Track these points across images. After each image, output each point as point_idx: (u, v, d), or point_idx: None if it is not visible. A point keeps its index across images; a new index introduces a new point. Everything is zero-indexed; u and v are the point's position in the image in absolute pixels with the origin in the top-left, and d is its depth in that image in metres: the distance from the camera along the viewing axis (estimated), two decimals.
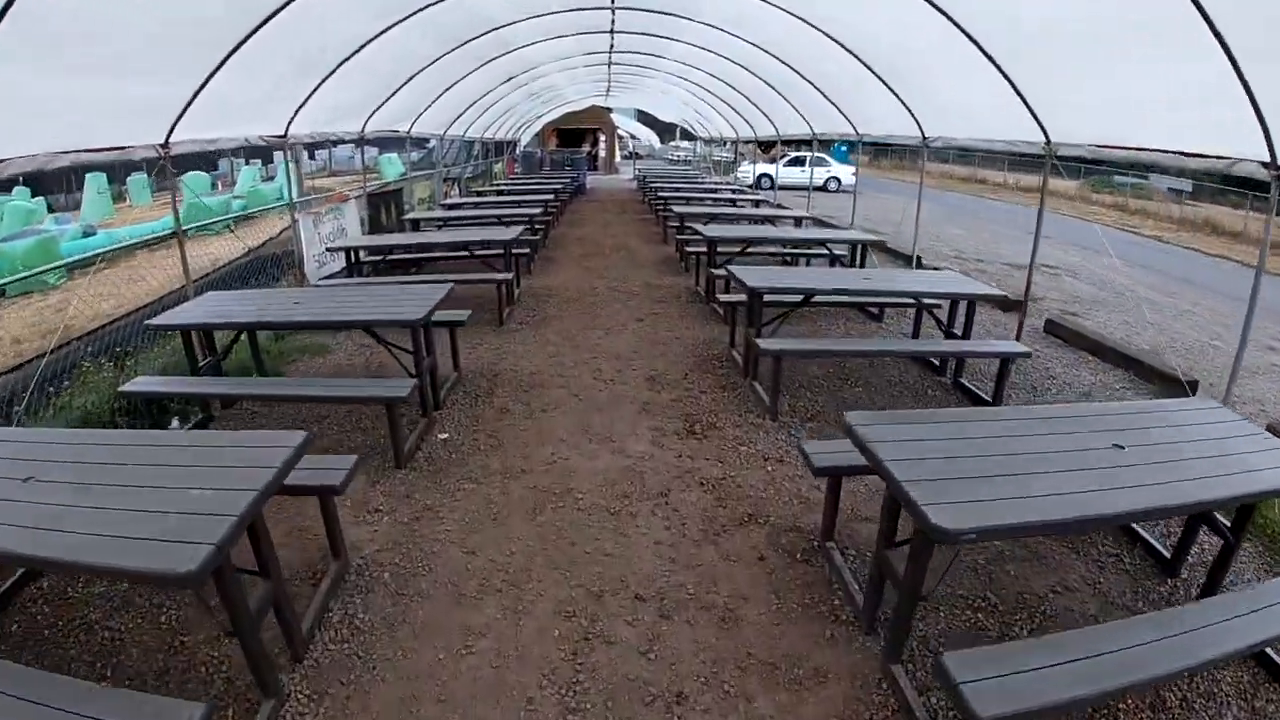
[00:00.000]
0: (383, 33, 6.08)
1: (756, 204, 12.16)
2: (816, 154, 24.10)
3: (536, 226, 9.80)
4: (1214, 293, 10.14)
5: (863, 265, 7.48)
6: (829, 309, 6.68)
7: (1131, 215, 22.99)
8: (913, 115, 6.94)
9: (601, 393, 4.86)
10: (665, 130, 45.92)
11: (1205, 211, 22.13)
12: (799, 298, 5.00)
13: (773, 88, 10.37)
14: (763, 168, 25.08)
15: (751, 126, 15.26)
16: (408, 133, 10.10)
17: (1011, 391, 4.90)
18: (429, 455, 3.96)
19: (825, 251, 7.97)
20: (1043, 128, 5.21)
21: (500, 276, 6.49)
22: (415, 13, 6.00)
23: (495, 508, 3.44)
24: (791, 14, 6.47)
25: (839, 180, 24.62)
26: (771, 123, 13.20)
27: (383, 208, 9.94)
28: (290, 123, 6.36)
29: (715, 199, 12.32)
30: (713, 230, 7.31)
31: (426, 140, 13.10)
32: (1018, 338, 5.70)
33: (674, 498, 3.53)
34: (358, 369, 5.45)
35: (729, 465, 3.86)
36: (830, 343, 5.11)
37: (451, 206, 11.19)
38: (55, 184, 25.65)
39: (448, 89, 9.61)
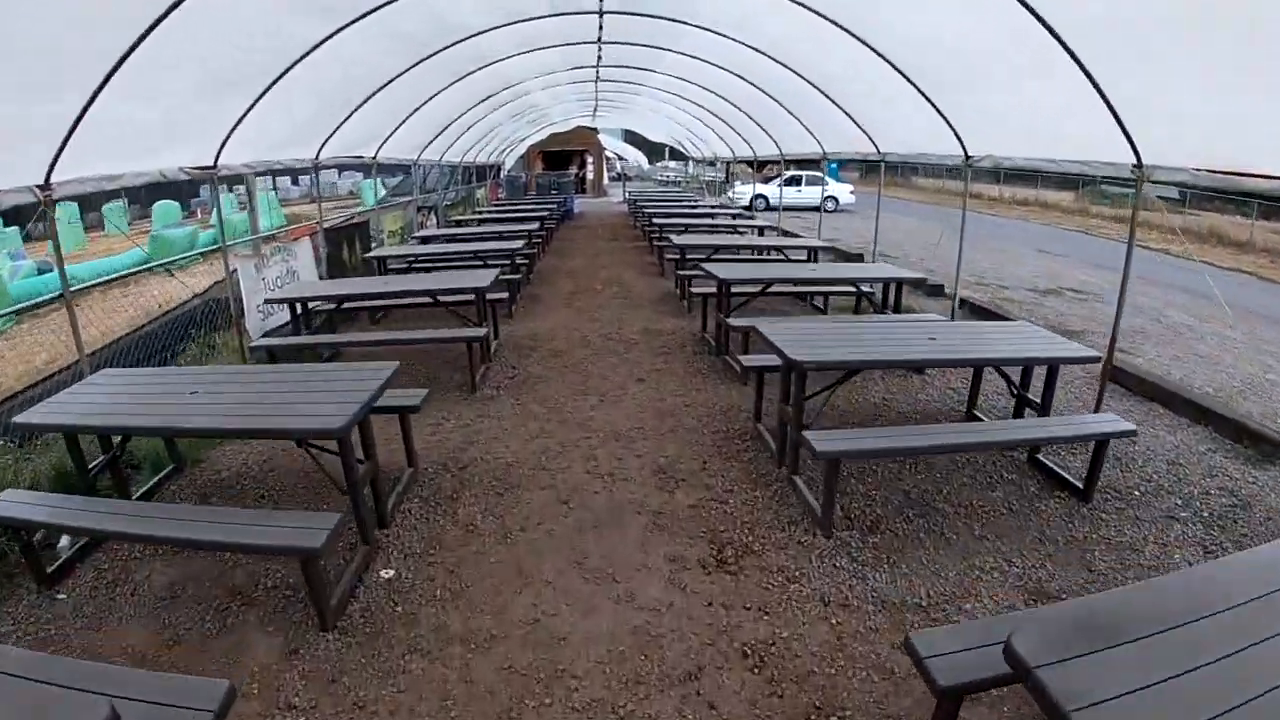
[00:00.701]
0: (328, 38, 5.01)
1: (761, 231, 11.52)
2: (813, 173, 23.40)
3: (519, 262, 8.95)
4: (1246, 311, 9.61)
5: (897, 308, 6.72)
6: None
7: (1139, 228, 22.38)
8: (955, 132, 5.96)
9: (598, 495, 3.82)
10: (653, 150, 45.45)
11: (1208, 220, 21.76)
12: (844, 368, 4.08)
13: (777, 101, 9.48)
14: (758, 188, 24.13)
15: (750, 145, 14.39)
16: (373, 158, 9.03)
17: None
18: (367, 607, 2.95)
19: (852, 290, 7.11)
20: (1134, 148, 4.28)
21: (471, 334, 5.39)
22: (366, 14, 4.93)
23: (452, 709, 2.42)
24: (815, 11, 5.45)
25: (836, 200, 23.73)
26: (774, 140, 12.34)
27: (345, 245, 8.96)
28: (220, 150, 5.25)
29: (714, 225, 11.87)
30: (726, 271, 6.31)
31: (401, 166, 12.12)
32: (1097, 407, 4.72)
33: (707, 682, 2.52)
34: (277, 475, 4.19)
35: (777, 618, 2.85)
36: (903, 436, 3.78)
37: (425, 239, 10.28)
38: (31, 209, 24.45)
39: (418, 108, 8.68)
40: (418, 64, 6.96)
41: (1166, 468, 4.17)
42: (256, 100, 5.12)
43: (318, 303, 6.41)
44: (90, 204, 24.35)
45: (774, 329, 4.12)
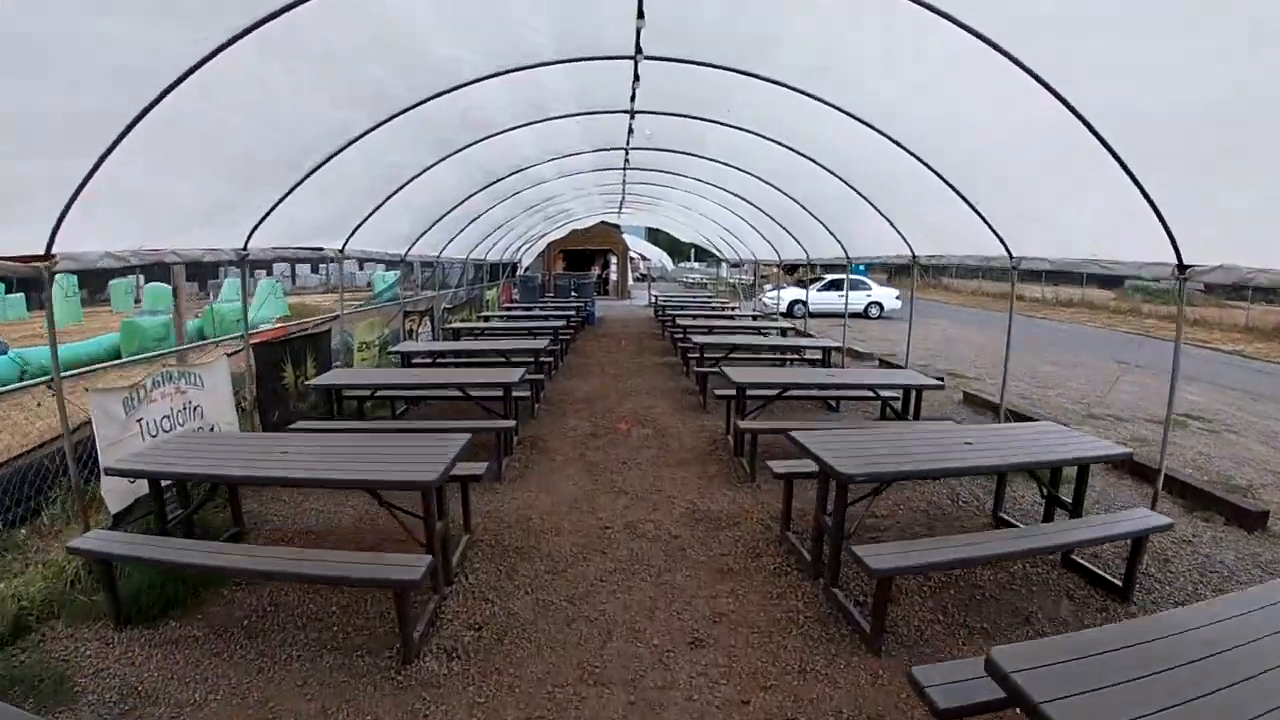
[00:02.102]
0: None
1: (826, 354, 10.21)
2: (855, 277, 23.80)
3: (519, 395, 7.39)
4: None
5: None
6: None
7: (1190, 325, 22.38)
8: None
9: None
10: (675, 250, 46.93)
11: (1276, 316, 21.77)
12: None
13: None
14: (793, 292, 24.52)
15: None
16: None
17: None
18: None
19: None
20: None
21: (405, 576, 3.39)
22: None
23: None
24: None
25: (881, 306, 24.24)
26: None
27: (290, 363, 6.97)
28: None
29: (769, 344, 11.15)
30: (836, 454, 4.11)
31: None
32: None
33: None
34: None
35: None
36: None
37: (408, 357, 9.00)
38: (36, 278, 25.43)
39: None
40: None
41: None
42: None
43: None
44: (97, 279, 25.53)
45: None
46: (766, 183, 9.96)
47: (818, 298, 22.85)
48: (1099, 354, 15.70)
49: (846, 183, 8.00)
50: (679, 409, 9.12)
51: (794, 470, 4.77)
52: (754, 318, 14.93)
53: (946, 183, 6.19)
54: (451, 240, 11.84)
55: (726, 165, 9.83)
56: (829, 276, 25.13)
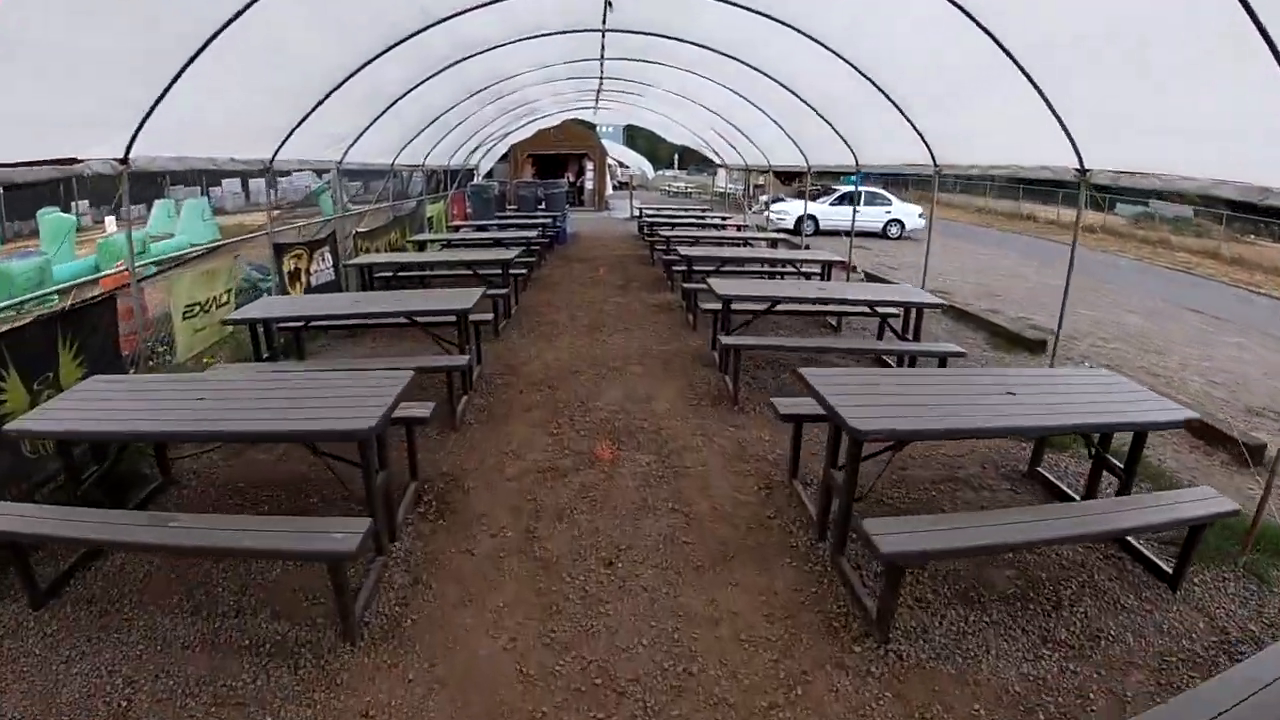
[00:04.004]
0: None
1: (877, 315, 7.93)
2: (872, 190, 23.09)
3: (421, 415, 5.03)
4: None
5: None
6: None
7: (1211, 259, 23.23)
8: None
9: None
10: (654, 156, 45.89)
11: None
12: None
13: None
14: (800, 206, 23.78)
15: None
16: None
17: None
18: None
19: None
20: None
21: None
22: None
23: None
24: None
25: (901, 224, 23.52)
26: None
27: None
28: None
29: (834, 297, 7.80)
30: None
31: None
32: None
33: None
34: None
35: None
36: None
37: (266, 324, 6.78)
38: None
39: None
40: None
41: None
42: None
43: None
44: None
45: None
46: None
47: (829, 212, 22.26)
48: (1165, 298, 15.10)
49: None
50: (691, 400, 6.81)
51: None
52: (771, 243, 13.37)
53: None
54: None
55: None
56: (841, 189, 24.28)
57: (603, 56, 10.89)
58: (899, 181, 28.86)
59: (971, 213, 36.97)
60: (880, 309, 7.52)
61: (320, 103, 7.27)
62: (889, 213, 23.39)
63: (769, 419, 6.10)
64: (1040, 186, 31.52)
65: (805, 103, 9.74)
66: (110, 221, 21.62)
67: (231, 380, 4.78)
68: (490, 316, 7.46)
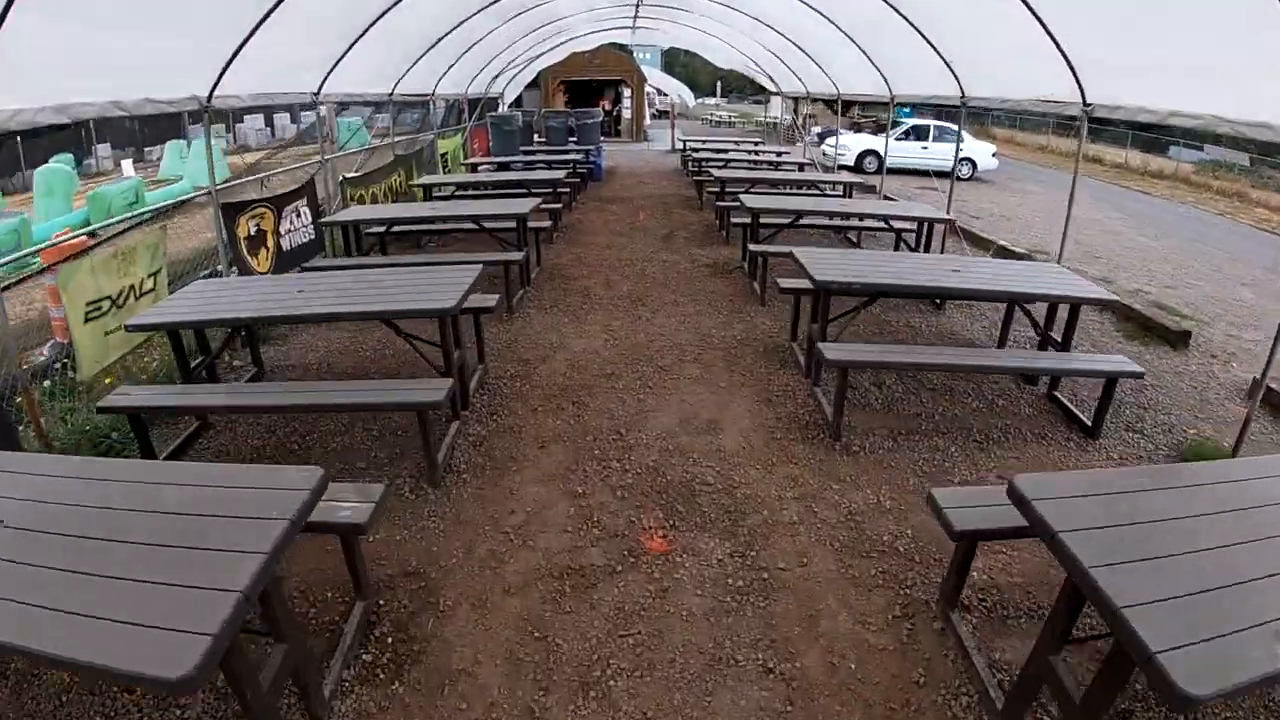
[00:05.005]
0: None
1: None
2: (942, 124, 20.56)
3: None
4: None
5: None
6: None
7: None
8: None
9: None
10: (693, 83, 43.27)
11: None
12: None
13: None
14: (863, 140, 21.11)
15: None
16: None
17: None
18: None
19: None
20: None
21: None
22: None
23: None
24: None
25: (974, 164, 21.72)
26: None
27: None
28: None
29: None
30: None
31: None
32: None
33: None
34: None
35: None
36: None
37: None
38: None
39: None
40: None
41: None
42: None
43: None
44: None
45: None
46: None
47: (895, 148, 19.48)
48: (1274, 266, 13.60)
49: None
50: (771, 428, 5.16)
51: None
52: (845, 189, 11.97)
53: None
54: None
55: None
56: (909, 121, 21.68)
57: None
58: (946, 114, 26.17)
59: (1034, 151, 36.16)
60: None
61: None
62: (960, 150, 20.68)
63: (887, 465, 4.75)
64: (1109, 128, 30.21)
65: (905, 17, 7.84)
66: (127, 165, 20.88)
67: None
68: (491, 304, 5.64)
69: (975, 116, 30.54)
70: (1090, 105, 6.53)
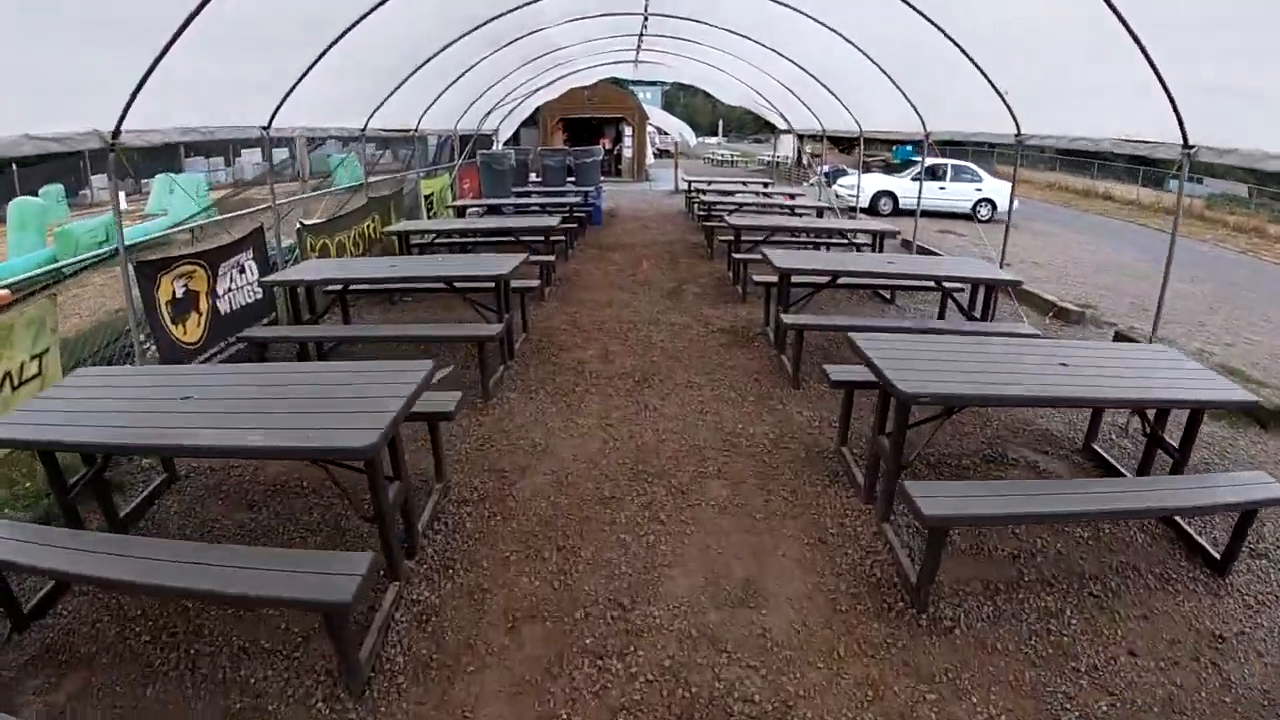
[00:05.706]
0: None
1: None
2: (960, 163, 19.52)
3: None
4: None
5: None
6: None
7: None
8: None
9: None
10: (693, 122, 43.30)
11: None
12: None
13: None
14: (878, 180, 19.97)
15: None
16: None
17: None
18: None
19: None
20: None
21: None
22: None
23: None
24: None
25: (993, 204, 20.60)
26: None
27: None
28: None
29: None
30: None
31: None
32: None
33: None
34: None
35: None
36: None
37: None
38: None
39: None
40: None
41: None
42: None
43: None
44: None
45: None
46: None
47: (910, 189, 18.41)
48: None
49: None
50: (832, 597, 3.65)
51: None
52: (872, 238, 10.74)
53: None
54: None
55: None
56: (925, 161, 20.90)
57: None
58: (957, 152, 25.04)
59: (1042, 188, 35.39)
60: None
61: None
62: (979, 190, 21.10)
63: (991, 647, 3.37)
64: (1116, 162, 30.99)
65: (956, 44, 7.33)
66: (122, 198, 19.63)
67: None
68: (450, 409, 4.31)
69: (980, 154, 29.75)
70: (1194, 147, 5.33)
